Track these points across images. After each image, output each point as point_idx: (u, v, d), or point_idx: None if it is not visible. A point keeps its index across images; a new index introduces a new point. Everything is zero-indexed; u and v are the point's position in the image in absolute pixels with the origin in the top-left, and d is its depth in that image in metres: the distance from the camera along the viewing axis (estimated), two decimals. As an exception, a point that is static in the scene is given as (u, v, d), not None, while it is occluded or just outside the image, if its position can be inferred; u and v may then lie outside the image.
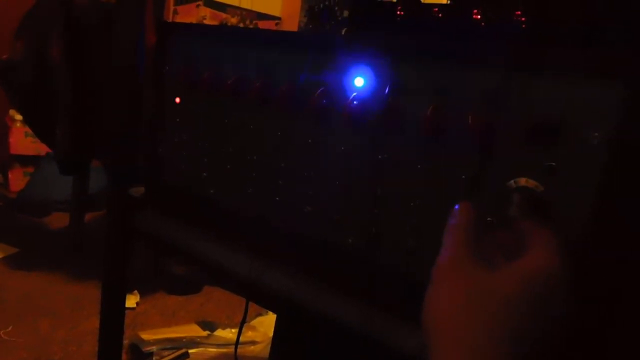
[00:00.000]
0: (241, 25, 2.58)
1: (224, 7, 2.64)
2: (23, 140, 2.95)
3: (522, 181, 0.44)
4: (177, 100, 0.74)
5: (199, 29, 0.81)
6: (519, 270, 0.37)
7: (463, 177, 0.48)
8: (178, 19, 2.47)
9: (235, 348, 0.90)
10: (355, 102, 0.54)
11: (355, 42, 0.58)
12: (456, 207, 0.41)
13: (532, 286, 0.36)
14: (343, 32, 0.77)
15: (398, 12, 0.55)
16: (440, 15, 0.51)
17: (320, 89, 0.57)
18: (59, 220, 2.63)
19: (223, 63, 0.68)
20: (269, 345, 1.09)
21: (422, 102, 0.50)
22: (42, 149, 2.78)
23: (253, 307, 0.71)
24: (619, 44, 0.50)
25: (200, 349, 1.63)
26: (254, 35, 0.69)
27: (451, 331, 0.36)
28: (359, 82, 0.54)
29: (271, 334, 1.12)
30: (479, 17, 0.50)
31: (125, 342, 1.63)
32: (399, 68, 0.52)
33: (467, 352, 0.35)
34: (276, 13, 2.76)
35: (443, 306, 0.37)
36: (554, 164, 0.43)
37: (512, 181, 0.44)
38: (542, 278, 0.36)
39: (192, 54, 0.73)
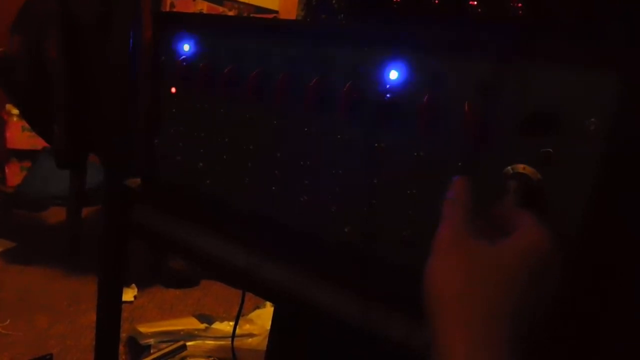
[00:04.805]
0: (238, 18, 2.57)
1: (220, 0, 2.64)
2: (20, 134, 2.94)
3: (519, 168, 0.44)
4: (173, 90, 0.74)
5: (195, 19, 0.80)
6: (514, 244, 0.37)
7: (459, 164, 0.48)
8: (175, 13, 2.46)
9: (232, 340, 0.90)
10: (352, 92, 0.53)
11: (352, 31, 0.58)
12: (455, 178, 0.41)
13: (528, 259, 0.36)
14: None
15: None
16: (437, 1, 0.51)
17: (316, 79, 0.56)
18: (56, 215, 2.63)
19: (219, 53, 0.68)
20: (267, 338, 1.08)
21: (419, 91, 0.50)
22: (39, 143, 2.77)
23: (250, 300, 0.71)
24: (616, 35, 0.50)
25: (198, 341, 1.63)
26: (251, 24, 0.69)
27: (454, 303, 0.36)
28: (356, 72, 0.54)
29: (269, 326, 1.11)
30: (475, 3, 0.49)
31: (123, 335, 1.63)
32: (397, 57, 0.52)
33: (470, 323, 0.35)
34: (274, 7, 2.75)
35: (445, 278, 0.37)
36: (550, 150, 0.43)
37: (509, 167, 0.44)
38: (536, 253, 0.37)
39: (188, 44, 0.72)
